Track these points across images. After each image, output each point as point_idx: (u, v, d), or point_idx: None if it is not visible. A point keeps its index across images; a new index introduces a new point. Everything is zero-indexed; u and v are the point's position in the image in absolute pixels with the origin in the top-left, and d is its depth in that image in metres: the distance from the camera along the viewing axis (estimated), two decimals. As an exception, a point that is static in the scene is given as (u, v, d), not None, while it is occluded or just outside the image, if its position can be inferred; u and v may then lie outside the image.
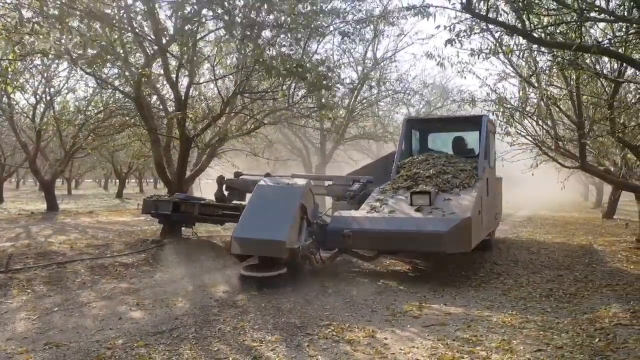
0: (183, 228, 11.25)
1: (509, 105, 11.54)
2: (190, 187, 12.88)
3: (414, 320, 5.74)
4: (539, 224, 17.03)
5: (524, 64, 10.90)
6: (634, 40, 5.90)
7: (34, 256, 9.35)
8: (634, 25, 5.12)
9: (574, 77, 9.24)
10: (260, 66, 9.82)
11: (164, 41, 10.05)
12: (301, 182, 8.06)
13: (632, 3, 4.57)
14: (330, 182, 10.19)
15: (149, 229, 12.94)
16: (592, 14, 5.85)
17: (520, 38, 5.91)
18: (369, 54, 18.81)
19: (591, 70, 7.08)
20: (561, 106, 11.10)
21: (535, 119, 11.75)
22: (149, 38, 10.13)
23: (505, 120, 11.48)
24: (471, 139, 10.41)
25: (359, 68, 18.07)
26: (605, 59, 9.03)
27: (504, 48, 6.48)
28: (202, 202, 10.40)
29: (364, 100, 17.48)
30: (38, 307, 6.20)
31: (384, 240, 7.51)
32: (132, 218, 15.81)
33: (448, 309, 6.15)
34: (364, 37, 15.87)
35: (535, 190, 34.19)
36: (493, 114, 11.67)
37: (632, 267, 8.85)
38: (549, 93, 10.76)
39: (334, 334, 5.20)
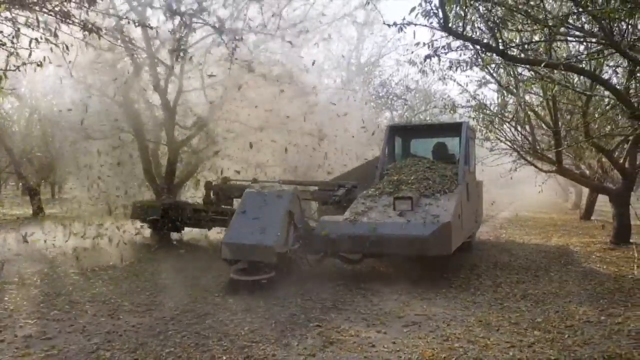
0: (172, 232, 11.47)
1: (488, 112, 11.94)
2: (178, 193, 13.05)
3: (397, 320, 6.05)
4: (519, 225, 17.45)
5: (502, 71, 11.30)
6: (597, 55, 6.31)
7: (26, 261, 9.53)
8: (601, 42, 5.49)
9: (550, 86, 9.64)
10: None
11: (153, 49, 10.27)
12: (288, 188, 8.36)
13: (594, 22, 4.94)
14: (316, 187, 10.45)
15: (138, 233, 13.09)
16: (564, 29, 6.25)
17: (496, 52, 6.27)
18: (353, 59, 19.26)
19: (562, 83, 7.48)
20: (538, 112, 11.50)
21: (514, 124, 12.16)
22: (138, 46, 10.34)
23: (484, 126, 11.87)
24: (452, 144, 10.77)
25: (343, 73, 18.46)
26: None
27: (482, 60, 6.83)
28: (190, 207, 10.65)
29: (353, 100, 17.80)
30: (35, 311, 6.41)
31: (368, 244, 7.81)
32: (120, 222, 15.94)
33: (429, 309, 6.47)
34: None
35: (518, 191, 34.88)
36: (473, 120, 12.07)
37: (605, 267, 9.26)
38: (526, 100, 11.18)
39: (322, 334, 5.50)
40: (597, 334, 5.38)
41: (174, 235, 11.70)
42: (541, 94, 10.82)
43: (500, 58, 5.64)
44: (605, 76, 9.71)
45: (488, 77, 11.61)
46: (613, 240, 11.75)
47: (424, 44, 5.66)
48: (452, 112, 11.95)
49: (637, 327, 5.58)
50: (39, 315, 6.24)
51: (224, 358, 4.83)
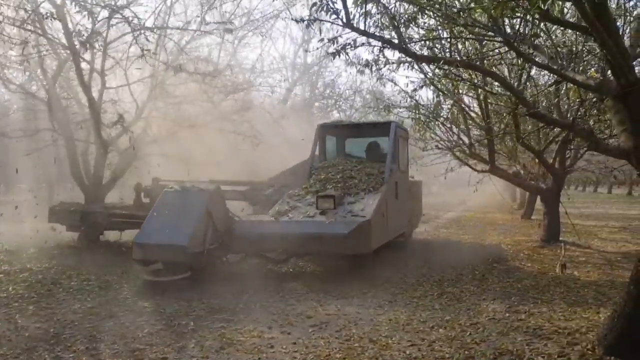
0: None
1: (424, 111, 11.96)
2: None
3: (307, 320, 5.95)
4: (461, 225, 17.69)
5: (439, 71, 11.32)
6: (492, 54, 6.40)
7: None
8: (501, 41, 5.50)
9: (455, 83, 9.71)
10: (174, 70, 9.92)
11: (76, 44, 9.92)
12: (208, 187, 8.15)
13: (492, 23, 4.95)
14: (248, 187, 10.29)
15: (68, 234, 12.63)
16: (477, 29, 6.25)
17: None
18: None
19: (466, 80, 7.57)
20: (467, 111, 11.58)
21: (449, 124, 12.23)
22: (60, 41, 10.00)
23: (420, 126, 11.88)
24: (385, 144, 10.76)
25: (289, 73, 18.34)
26: (506, 70, 9.54)
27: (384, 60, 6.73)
28: (109, 212, 10.39)
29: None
30: None
31: (288, 242, 7.70)
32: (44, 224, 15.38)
33: (342, 309, 6.38)
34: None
35: (469, 192, 35.39)
36: (411, 120, 12.07)
37: (529, 265, 9.40)
38: (461, 98, 11.23)
39: (223, 336, 5.33)
40: (496, 330, 5.39)
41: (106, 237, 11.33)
42: (473, 94, 10.91)
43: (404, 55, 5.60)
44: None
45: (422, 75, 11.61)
46: (543, 239, 11.98)
47: (329, 40, 5.60)
48: (386, 112, 11.95)
49: (536, 323, 5.62)
50: None
51: (109, 361, 4.64)
